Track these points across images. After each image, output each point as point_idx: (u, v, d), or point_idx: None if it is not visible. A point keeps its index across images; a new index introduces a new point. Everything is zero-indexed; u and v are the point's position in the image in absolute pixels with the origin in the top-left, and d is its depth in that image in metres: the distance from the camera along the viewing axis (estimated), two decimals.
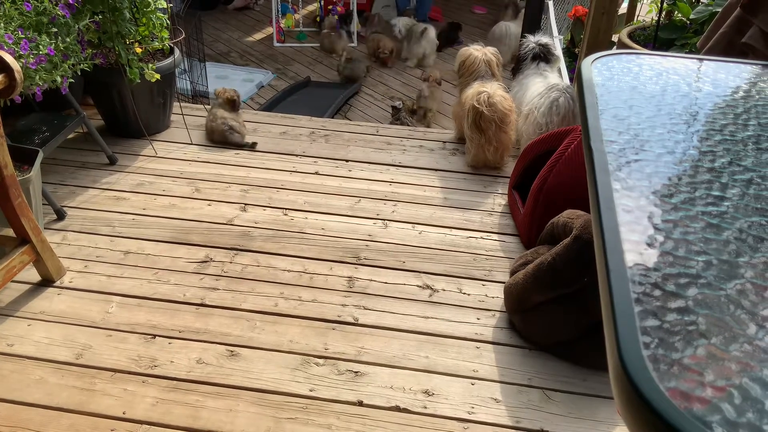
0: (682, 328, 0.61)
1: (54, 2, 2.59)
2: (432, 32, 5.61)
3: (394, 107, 4.31)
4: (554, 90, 3.09)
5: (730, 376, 0.56)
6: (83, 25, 2.77)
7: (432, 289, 2.44)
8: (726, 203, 0.81)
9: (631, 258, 0.70)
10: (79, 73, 2.81)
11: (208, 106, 3.85)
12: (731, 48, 2.04)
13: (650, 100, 1.09)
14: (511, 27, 5.69)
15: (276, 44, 6.08)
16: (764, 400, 0.54)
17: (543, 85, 3.24)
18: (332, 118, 4.38)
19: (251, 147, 3.35)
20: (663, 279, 0.67)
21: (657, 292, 0.65)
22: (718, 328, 0.61)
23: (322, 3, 6.40)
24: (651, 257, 0.71)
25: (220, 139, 3.41)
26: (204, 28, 4.88)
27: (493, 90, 3.12)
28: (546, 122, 3.05)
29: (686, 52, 3.61)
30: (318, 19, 6.36)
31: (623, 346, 0.58)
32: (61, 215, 2.75)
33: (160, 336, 2.17)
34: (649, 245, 0.73)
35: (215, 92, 3.67)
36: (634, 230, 0.75)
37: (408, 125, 4.03)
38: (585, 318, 2.05)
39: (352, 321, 2.26)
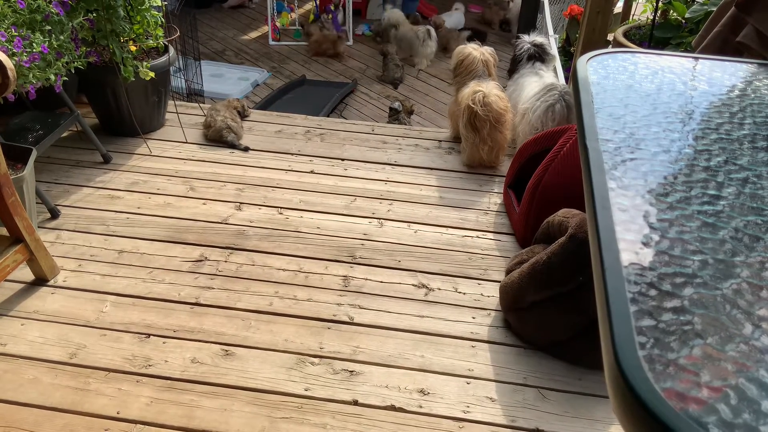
0: (678, 328, 0.61)
1: (47, 0, 2.58)
2: (434, 32, 5.68)
3: (392, 108, 4.28)
4: (551, 94, 3.07)
5: (726, 376, 0.56)
6: (77, 23, 2.76)
7: (427, 288, 2.44)
8: (722, 202, 0.81)
9: (626, 257, 0.69)
10: (73, 71, 2.79)
11: (203, 105, 3.85)
12: (726, 47, 2.04)
13: (646, 99, 1.09)
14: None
15: (271, 43, 6.07)
16: (761, 401, 0.53)
17: (539, 85, 3.23)
18: (328, 116, 4.37)
19: (244, 150, 3.35)
20: (659, 278, 0.67)
21: (653, 292, 0.65)
22: (714, 328, 0.61)
23: (318, 2, 6.40)
24: (647, 256, 0.71)
25: (215, 136, 3.40)
26: (199, 26, 4.87)
27: (488, 89, 3.12)
28: (541, 123, 3.04)
29: (682, 51, 3.61)
30: (312, 18, 6.34)
31: (619, 346, 0.57)
32: (54, 214, 2.73)
33: (154, 335, 2.16)
34: (645, 244, 0.72)
35: (229, 100, 3.70)
36: (630, 229, 0.74)
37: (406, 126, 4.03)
38: (580, 317, 2.05)
39: (348, 320, 2.26)
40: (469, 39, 5.68)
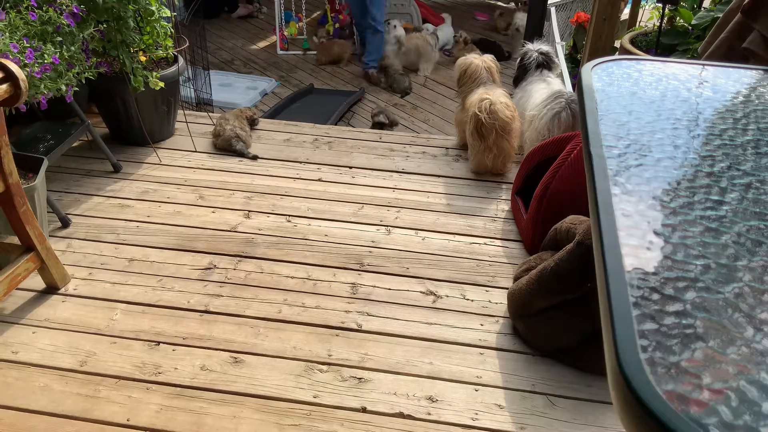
0: (680, 331, 0.61)
1: (59, 11, 2.61)
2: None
3: (378, 123, 4.30)
4: (558, 101, 3.07)
5: (728, 379, 0.57)
6: (88, 34, 2.79)
7: (435, 295, 2.44)
8: (725, 207, 0.81)
9: (629, 262, 0.70)
10: (84, 82, 2.83)
11: (212, 114, 3.87)
12: (732, 53, 2.05)
13: (650, 106, 1.09)
14: None
15: (279, 52, 6.11)
16: (761, 403, 0.54)
17: (547, 92, 3.24)
18: (335, 125, 4.39)
19: (252, 158, 3.37)
20: (661, 283, 0.68)
21: (655, 296, 0.66)
22: (716, 332, 0.62)
23: (328, 9, 6.44)
24: (650, 261, 0.71)
25: (224, 145, 3.42)
26: (208, 36, 4.90)
27: (496, 97, 3.13)
28: (548, 130, 3.05)
29: (688, 58, 3.61)
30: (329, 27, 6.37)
31: (621, 349, 0.58)
32: (65, 223, 2.76)
33: (164, 343, 2.17)
34: (648, 249, 0.73)
35: (241, 109, 3.74)
36: (633, 234, 0.75)
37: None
38: (588, 324, 2.04)
39: (356, 327, 2.27)
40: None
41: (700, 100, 1.14)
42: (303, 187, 3.15)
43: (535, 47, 3.50)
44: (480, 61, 3.40)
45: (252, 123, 3.67)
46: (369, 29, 5.49)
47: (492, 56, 3.49)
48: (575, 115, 3.03)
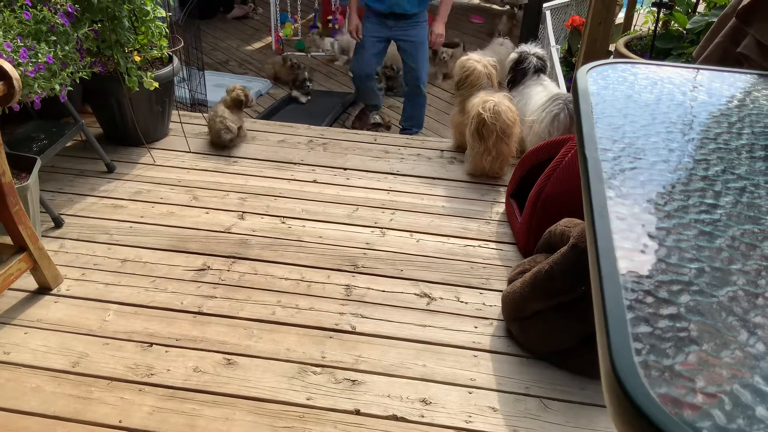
0: (674, 334, 0.61)
1: (53, 11, 2.60)
2: None
3: (373, 123, 4.32)
4: (556, 104, 3.09)
5: (721, 382, 0.57)
6: (82, 34, 2.78)
7: (429, 297, 2.44)
8: (719, 211, 0.81)
9: (624, 265, 0.70)
10: (78, 81, 2.81)
11: (206, 115, 3.87)
12: (727, 57, 2.05)
13: (645, 109, 1.10)
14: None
15: (275, 53, 6.10)
16: (755, 407, 0.54)
17: (545, 95, 3.25)
18: (330, 126, 4.38)
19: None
20: (655, 286, 0.68)
21: (649, 299, 0.66)
22: (710, 335, 0.62)
23: (320, 14, 6.44)
24: (644, 264, 0.71)
25: (215, 139, 3.43)
26: (203, 36, 4.90)
27: (499, 99, 3.13)
28: (548, 133, 3.07)
29: (683, 62, 3.62)
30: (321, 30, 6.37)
31: (615, 352, 0.58)
32: (58, 223, 2.75)
33: (157, 344, 2.16)
34: (643, 252, 0.73)
35: (228, 89, 3.63)
36: (628, 237, 0.75)
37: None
38: (582, 326, 2.05)
39: (350, 329, 2.26)
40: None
41: (695, 103, 1.14)
42: (297, 189, 3.15)
43: (531, 50, 3.51)
44: (482, 66, 3.40)
45: (240, 104, 3.55)
46: (411, 90, 4.43)
47: (494, 60, 3.49)
48: (573, 116, 3.04)
